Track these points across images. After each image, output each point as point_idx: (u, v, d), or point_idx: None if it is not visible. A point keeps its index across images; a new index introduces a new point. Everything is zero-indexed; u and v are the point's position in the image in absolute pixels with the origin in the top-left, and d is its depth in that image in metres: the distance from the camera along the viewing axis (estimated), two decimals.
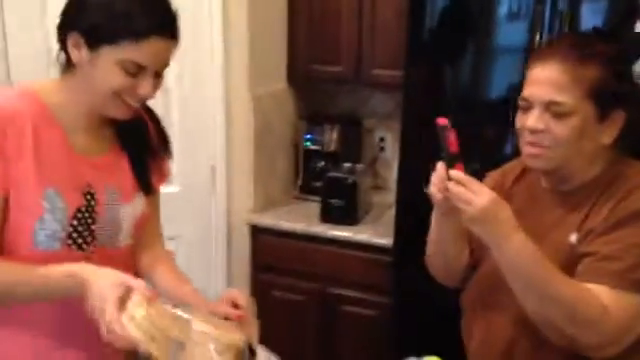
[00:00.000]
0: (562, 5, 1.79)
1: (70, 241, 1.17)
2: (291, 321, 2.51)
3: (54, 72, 1.21)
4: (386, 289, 2.28)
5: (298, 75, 2.68)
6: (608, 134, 1.18)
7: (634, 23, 1.69)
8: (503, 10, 1.92)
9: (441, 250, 1.35)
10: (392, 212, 2.42)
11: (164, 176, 1.39)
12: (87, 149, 1.21)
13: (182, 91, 2.37)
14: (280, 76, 2.67)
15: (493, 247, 1.14)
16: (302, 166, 2.79)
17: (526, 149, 1.22)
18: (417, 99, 2.09)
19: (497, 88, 2.00)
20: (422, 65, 2.06)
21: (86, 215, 1.19)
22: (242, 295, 1.21)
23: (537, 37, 1.83)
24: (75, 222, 1.17)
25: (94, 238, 1.21)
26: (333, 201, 2.45)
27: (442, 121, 1.17)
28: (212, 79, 2.39)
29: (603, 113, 1.16)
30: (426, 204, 2.10)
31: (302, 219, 2.52)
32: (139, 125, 1.29)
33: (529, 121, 1.18)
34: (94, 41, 1.09)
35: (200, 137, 2.43)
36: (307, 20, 2.58)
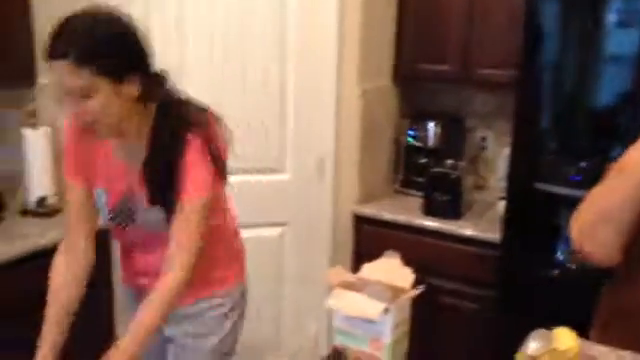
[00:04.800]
0: None
1: (115, 221, 1.51)
2: None
3: None
4: (488, 282, 2.32)
5: (404, 73, 2.77)
6: None
7: None
8: (613, 18, 1.92)
9: (621, 218, 1.21)
10: (494, 210, 2.47)
11: (193, 191, 1.40)
12: (129, 159, 1.45)
13: (297, 85, 2.50)
14: (385, 73, 2.76)
15: None
16: (403, 161, 2.87)
17: None
18: (528, 100, 2.13)
19: (605, 96, 2.00)
20: (533, 67, 2.10)
21: (123, 207, 1.48)
22: None
23: None
24: (117, 209, 1.49)
25: (134, 221, 1.49)
26: (436, 195, 2.52)
27: None
28: (325, 74, 2.52)
29: None
30: (534, 201, 2.14)
31: (404, 211, 2.61)
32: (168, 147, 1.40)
33: None
34: None
35: (312, 129, 2.56)
36: (416, 19, 2.67)
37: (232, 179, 2.43)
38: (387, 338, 1.21)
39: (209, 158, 1.40)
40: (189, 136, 1.38)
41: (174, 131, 1.38)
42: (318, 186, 2.62)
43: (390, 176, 2.91)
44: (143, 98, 1.36)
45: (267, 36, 2.42)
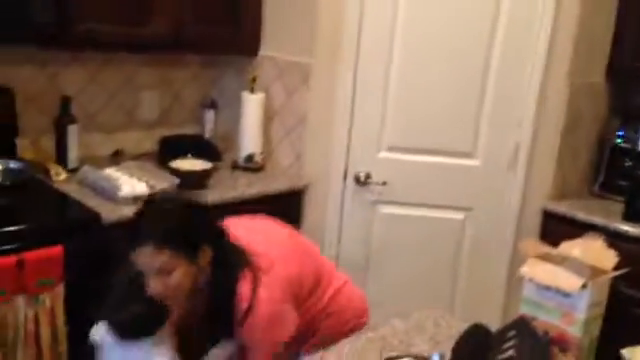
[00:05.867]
0: None
1: None
2: None
3: None
4: None
5: (620, 70, 2.58)
6: None
7: None
8: None
9: None
10: None
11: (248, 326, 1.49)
12: None
13: (502, 68, 2.46)
14: (599, 69, 2.60)
15: None
16: (606, 162, 2.69)
17: None
18: None
19: None
20: None
21: None
22: None
23: None
24: None
25: None
26: None
27: None
28: (534, 61, 2.43)
29: None
30: None
31: (601, 214, 2.44)
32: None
33: None
34: None
35: (511, 115, 2.50)
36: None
37: (423, 159, 2.53)
38: (582, 314, 1.18)
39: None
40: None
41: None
42: (508, 177, 2.55)
43: (589, 176, 2.74)
44: (215, 266, 1.48)
45: (477, 16, 2.41)
